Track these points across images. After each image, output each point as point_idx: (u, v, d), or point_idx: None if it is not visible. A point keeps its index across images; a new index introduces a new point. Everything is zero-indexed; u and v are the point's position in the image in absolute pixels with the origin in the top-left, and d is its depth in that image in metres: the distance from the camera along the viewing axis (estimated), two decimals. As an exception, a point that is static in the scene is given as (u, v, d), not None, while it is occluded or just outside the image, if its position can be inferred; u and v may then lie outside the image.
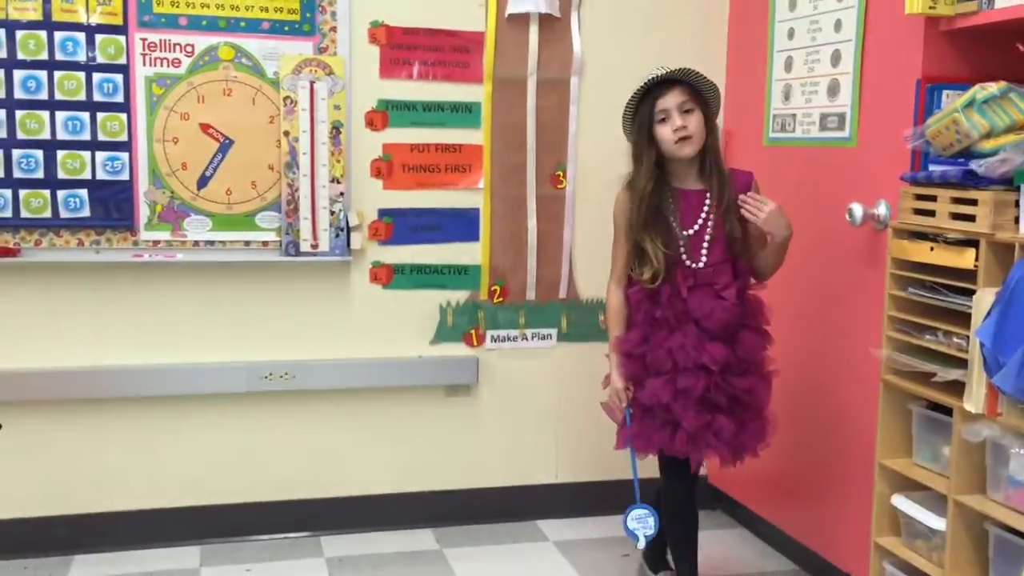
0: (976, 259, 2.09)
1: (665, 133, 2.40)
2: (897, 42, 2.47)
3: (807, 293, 2.87)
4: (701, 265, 2.44)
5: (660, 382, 2.43)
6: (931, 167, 2.28)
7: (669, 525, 2.63)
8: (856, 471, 2.62)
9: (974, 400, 2.09)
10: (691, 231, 2.45)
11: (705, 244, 2.45)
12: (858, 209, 2.52)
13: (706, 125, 2.43)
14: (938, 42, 2.36)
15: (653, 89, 2.41)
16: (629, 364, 2.50)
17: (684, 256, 2.44)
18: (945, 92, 2.34)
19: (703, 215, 2.45)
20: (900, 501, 2.38)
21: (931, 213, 2.23)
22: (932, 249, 2.21)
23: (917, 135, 2.31)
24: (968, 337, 2.10)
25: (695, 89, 2.42)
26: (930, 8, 2.27)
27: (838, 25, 2.71)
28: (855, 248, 2.64)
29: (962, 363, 2.13)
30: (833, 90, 2.73)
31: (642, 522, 2.58)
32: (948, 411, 2.22)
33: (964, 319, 2.12)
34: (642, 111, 2.43)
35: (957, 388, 2.15)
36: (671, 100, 2.39)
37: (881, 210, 2.50)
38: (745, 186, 2.50)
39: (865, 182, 2.59)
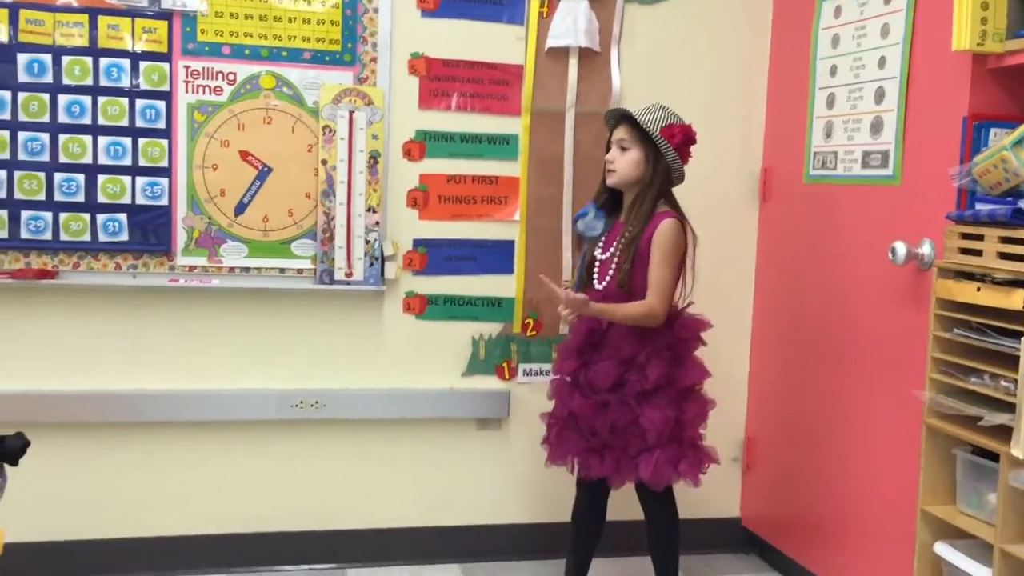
0: (1025, 300, 2.03)
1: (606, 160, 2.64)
2: (943, 79, 2.43)
3: (849, 333, 2.82)
4: (599, 288, 2.60)
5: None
6: (978, 205, 2.24)
7: (571, 531, 2.83)
8: (897, 517, 2.55)
9: (1022, 446, 2.02)
10: (604, 256, 2.62)
11: (610, 271, 2.59)
12: (901, 248, 2.47)
13: (648, 165, 2.56)
14: (986, 79, 2.33)
15: (616, 119, 2.64)
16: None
17: (594, 277, 2.63)
18: (993, 130, 2.30)
19: (615, 244, 2.60)
20: (943, 549, 2.31)
21: (978, 252, 2.19)
22: (979, 289, 2.16)
23: (964, 173, 2.27)
24: (1016, 380, 2.04)
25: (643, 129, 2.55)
26: (978, 45, 2.23)
27: (882, 62, 2.68)
28: (898, 288, 2.58)
29: (1009, 407, 2.07)
30: (876, 127, 2.70)
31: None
32: (994, 457, 2.16)
33: (1012, 362, 2.07)
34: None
35: (1004, 433, 2.09)
36: (616, 134, 2.62)
37: (925, 249, 2.45)
38: (653, 228, 2.55)
39: (909, 220, 2.54)
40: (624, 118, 2.60)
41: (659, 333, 2.56)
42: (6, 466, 1.77)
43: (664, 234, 2.53)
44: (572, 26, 3.09)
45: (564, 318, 2.65)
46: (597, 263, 2.64)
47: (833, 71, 2.91)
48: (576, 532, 2.81)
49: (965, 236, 2.24)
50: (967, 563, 2.22)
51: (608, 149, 2.65)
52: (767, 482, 3.30)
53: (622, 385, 2.55)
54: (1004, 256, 2.11)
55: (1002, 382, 2.11)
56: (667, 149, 2.55)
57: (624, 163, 2.59)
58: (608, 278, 2.59)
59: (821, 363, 2.96)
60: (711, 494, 3.25)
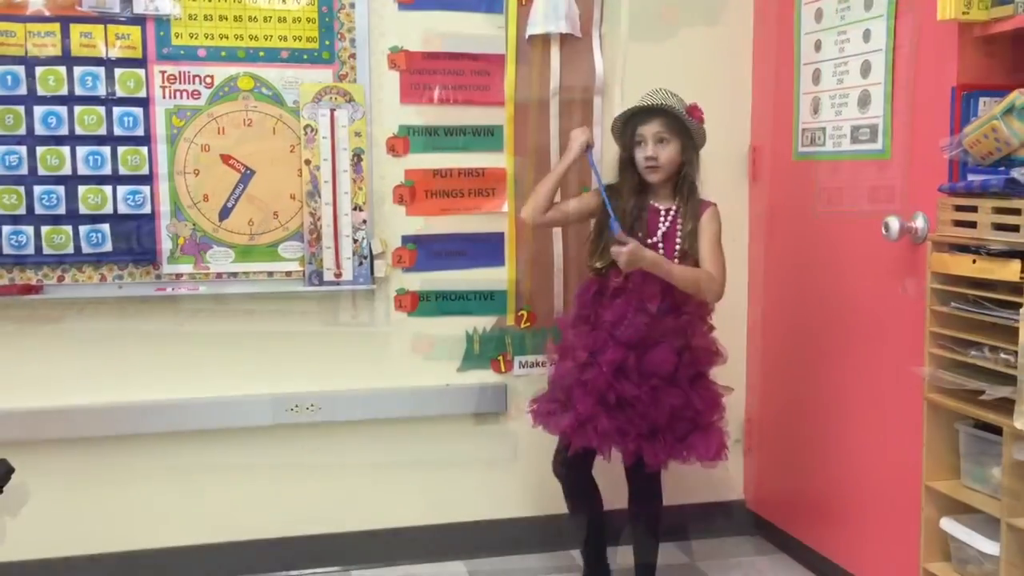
0: (1022, 271, 2.01)
1: (639, 157, 2.60)
2: (930, 50, 2.40)
3: (844, 311, 2.79)
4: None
5: (567, 367, 2.62)
6: (970, 176, 2.21)
7: (572, 513, 2.83)
8: (901, 494, 2.53)
9: (1025, 418, 2.00)
10: (652, 240, 2.59)
11: (660, 249, 2.59)
12: (894, 223, 2.44)
13: (683, 154, 2.59)
14: (973, 48, 2.29)
15: (638, 113, 2.58)
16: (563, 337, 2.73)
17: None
18: (982, 99, 2.26)
19: (661, 229, 2.60)
20: (949, 524, 2.29)
21: (972, 224, 2.16)
22: (975, 261, 2.13)
23: (954, 144, 2.24)
24: (1016, 352, 2.02)
25: (677, 119, 2.54)
26: (963, 14, 2.20)
27: (867, 35, 2.64)
28: (893, 263, 2.56)
29: (1010, 380, 2.05)
30: (864, 101, 2.67)
31: None
32: (997, 430, 2.14)
33: (1011, 333, 2.05)
34: (625, 132, 2.64)
35: (1006, 406, 2.07)
36: (648, 129, 2.57)
37: (918, 223, 2.42)
38: (702, 212, 2.61)
39: (901, 194, 2.51)
40: (657, 112, 2.55)
41: (701, 316, 2.61)
42: (-8, 492, 1.74)
43: (715, 221, 2.61)
44: (552, 12, 3.04)
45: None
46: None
47: (818, 46, 2.88)
48: (585, 505, 2.79)
49: (958, 208, 2.22)
50: (974, 538, 2.21)
51: (632, 146, 2.61)
52: (770, 463, 3.28)
53: (675, 369, 2.56)
54: (999, 227, 2.08)
55: (1002, 354, 2.09)
56: (701, 131, 2.59)
57: (667, 157, 2.57)
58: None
59: (818, 342, 2.93)
60: (714, 477, 3.24)
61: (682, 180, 2.61)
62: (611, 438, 2.56)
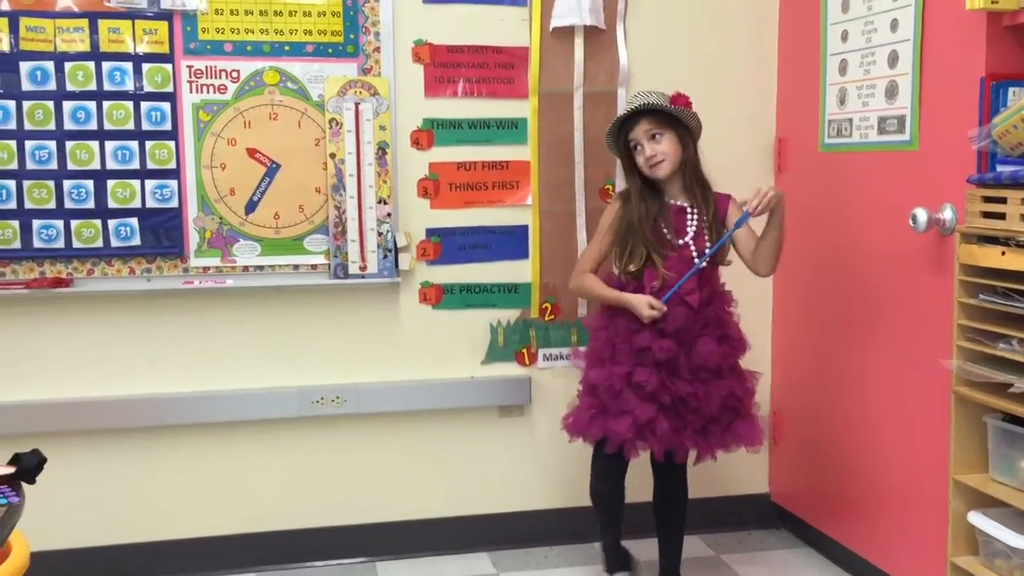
0: (1052, 263, 1.99)
1: (640, 161, 2.59)
2: (958, 39, 2.37)
3: (871, 303, 2.77)
4: (674, 273, 2.55)
5: (618, 370, 2.55)
6: (999, 167, 2.19)
7: (600, 515, 2.79)
8: (929, 487, 2.51)
9: (1054, 411, 1.99)
10: (683, 240, 2.59)
11: (692, 252, 2.59)
12: (922, 214, 2.42)
13: (683, 143, 2.58)
14: (1001, 38, 2.27)
15: (625, 121, 2.58)
16: (596, 339, 2.65)
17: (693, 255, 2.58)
18: (1012, 89, 2.24)
19: (691, 226, 2.60)
20: (977, 518, 2.27)
21: (1001, 216, 2.14)
22: (1004, 253, 2.11)
23: (983, 135, 2.22)
24: (1046, 345, 2.00)
25: (664, 112, 2.54)
26: (992, 3, 2.18)
27: (894, 25, 2.62)
28: (920, 255, 2.54)
29: (1040, 373, 2.03)
30: (891, 92, 2.64)
31: None
32: (1026, 423, 2.12)
33: (1041, 326, 2.03)
34: (619, 143, 2.63)
35: (1035, 399, 2.05)
36: (639, 131, 2.57)
37: (947, 214, 2.40)
38: (724, 206, 2.64)
39: (928, 186, 2.49)
40: (642, 113, 2.55)
41: (730, 305, 2.63)
42: (23, 484, 1.75)
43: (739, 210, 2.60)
44: (576, 5, 3.04)
45: (653, 313, 2.50)
46: (676, 251, 2.57)
47: (844, 36, 2.85)
48: (614, 518, 2.79)
49: (987, 199, 2.19)
50: (1002, 532, 2.19)
51: (631, 154, 2.60)
52: (795, 456, 3.26)
53: (720, 360, 2.58)
54: (1028, 218, 2.06)
55: (1031, 347, 2.07)
56: (692, 117, 2.57)
57: (667, 148, 2.56)
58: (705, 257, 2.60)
59: (845, 334, 2.92)
60: (740, 470, 3.24)
61: (687, 171, 2.60)
62: (668, 439, 2.54)
